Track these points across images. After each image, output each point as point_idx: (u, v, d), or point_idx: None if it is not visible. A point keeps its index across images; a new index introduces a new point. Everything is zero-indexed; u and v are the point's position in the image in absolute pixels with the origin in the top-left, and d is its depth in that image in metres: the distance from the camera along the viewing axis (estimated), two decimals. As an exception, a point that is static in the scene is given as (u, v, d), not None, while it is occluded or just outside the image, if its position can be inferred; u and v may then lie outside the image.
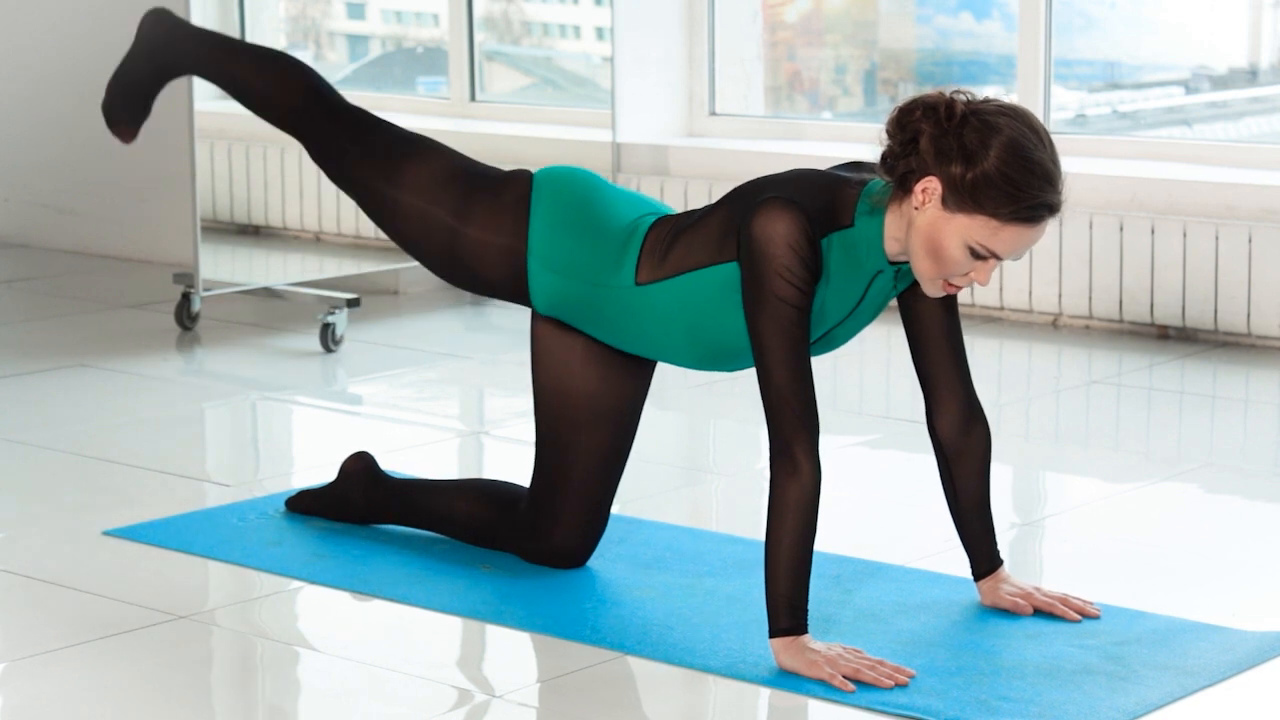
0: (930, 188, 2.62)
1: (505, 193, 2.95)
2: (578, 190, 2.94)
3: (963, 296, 5.02)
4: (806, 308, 2.66)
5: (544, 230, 2.92)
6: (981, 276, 2.66)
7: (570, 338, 3.00)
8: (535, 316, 3.03)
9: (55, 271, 5.74)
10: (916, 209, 2.64)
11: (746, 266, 2.68)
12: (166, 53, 3.22)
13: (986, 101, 2.65)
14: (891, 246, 2.71)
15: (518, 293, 2.97)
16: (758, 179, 2.80)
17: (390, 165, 3.01)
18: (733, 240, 2.75)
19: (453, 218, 2.96)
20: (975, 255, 2.63)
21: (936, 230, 2.63)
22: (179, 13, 4.58)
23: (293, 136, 3.11)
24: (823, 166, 2.83)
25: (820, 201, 2.69)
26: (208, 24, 5.22)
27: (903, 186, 2.66)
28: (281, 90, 3.10)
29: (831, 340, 2.82)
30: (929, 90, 2.67)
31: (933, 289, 2.70)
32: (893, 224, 2.69)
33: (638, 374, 3.03)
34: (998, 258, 2.64)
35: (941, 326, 2.83)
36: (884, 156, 2.68)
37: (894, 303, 2.89)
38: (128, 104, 3.28)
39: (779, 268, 2.65)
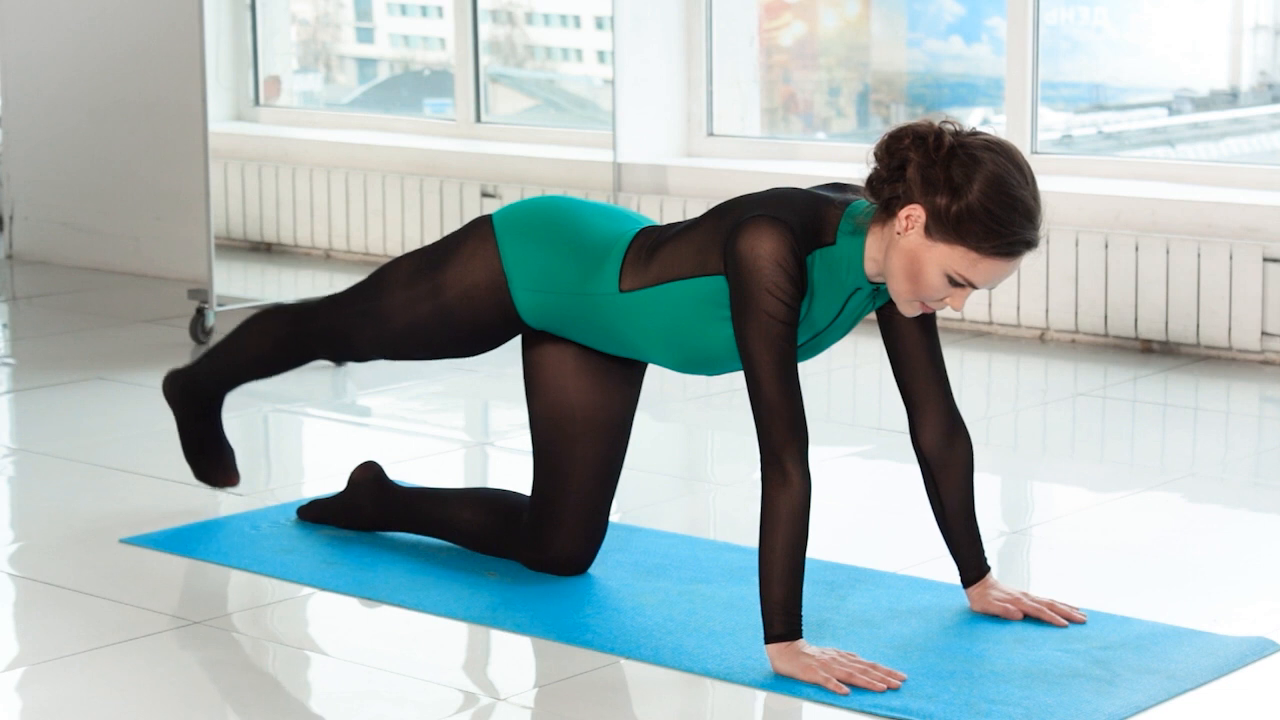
0: (914, 215, 2.64)
1: (466, 243, 2.98)
2: (542, 213, 2.96)
3: (951, 312, 5.03)
4: (793, 322, 2.68)
5: (518, 256, 2.93)
6: (956, 303, 2.68)
7: (561, 355, 3.02)
8: (526, 337, 3.04)
9: (74, 288, 5.73)
10: (899, 234, 2.66)
11: (734, 282, 2.70)
12: (198, 396, 3.35)
13: (974, 135, 2.65)
14: (870, 267, 2.72)
15: (513, 322, 2.99)
16: (740, 196, 2.81)
17: (371, 313, 3.05)
18: (715, 254, 2.76)
19: (432, 298, 2.99)
20: (953, 283, 2.66)
21: (917, 256, 2.65)
22: (191, 34, 4.60)
23: (315, 357, 3.20)
24: (809, 186, 2.83)
25: (804, 219, 2.71)
26: (221, 47, 5.25)
27: (887, 211, 2.68)
28: (273, 336, 3.20)
29: (815, 347, 2.84)
30: (919, 118, 2.68)
31: (909, 309, 2.72)
32: (873, 245, 2.71)
33: (627, 386, 3.05)
34: (974, 287, 2.66)
35: (921, 342, 2.85)
36: (870, 180, 2.69)
37: (874, 317, 2.92)
38: (209, 458, 3.40)
39: (767, 283, 2.66)
